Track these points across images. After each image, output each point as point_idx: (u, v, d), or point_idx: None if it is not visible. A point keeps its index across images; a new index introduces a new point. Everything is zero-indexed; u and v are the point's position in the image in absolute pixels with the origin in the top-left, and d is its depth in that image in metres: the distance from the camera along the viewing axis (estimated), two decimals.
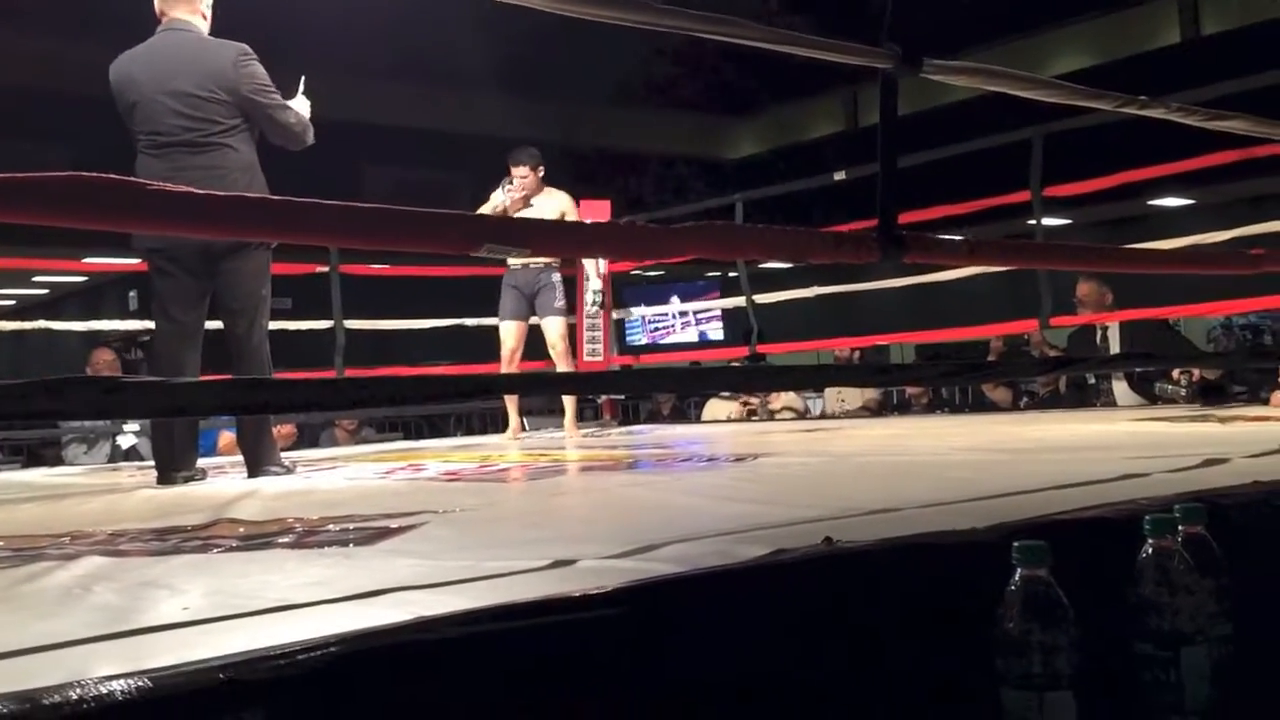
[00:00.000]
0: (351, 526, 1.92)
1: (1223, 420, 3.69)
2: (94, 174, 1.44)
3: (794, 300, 6.49)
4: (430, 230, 1.82)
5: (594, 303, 5.79)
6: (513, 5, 1.73)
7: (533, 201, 5.23)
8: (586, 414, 6.99)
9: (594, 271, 5.75)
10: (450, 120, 12.36)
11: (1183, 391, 4.79)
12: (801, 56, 2.14)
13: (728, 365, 7.44)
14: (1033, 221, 5.51)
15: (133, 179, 1.69)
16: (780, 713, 1.15)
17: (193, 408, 1.65)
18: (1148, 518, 1.29)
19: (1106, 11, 12.14)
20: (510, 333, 5.35)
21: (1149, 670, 1.25)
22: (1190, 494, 1.59)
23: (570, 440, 5.11)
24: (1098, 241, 8.80)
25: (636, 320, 12.42)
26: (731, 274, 10.55)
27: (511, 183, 5.23)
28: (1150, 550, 1.28)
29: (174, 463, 3.28)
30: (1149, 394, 5.17)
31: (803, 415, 7.16)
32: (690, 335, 14.68)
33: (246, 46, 3.31)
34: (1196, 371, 4.85)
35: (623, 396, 7.35)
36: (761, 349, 6.44)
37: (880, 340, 8.08)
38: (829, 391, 7.51)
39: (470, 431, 8.01)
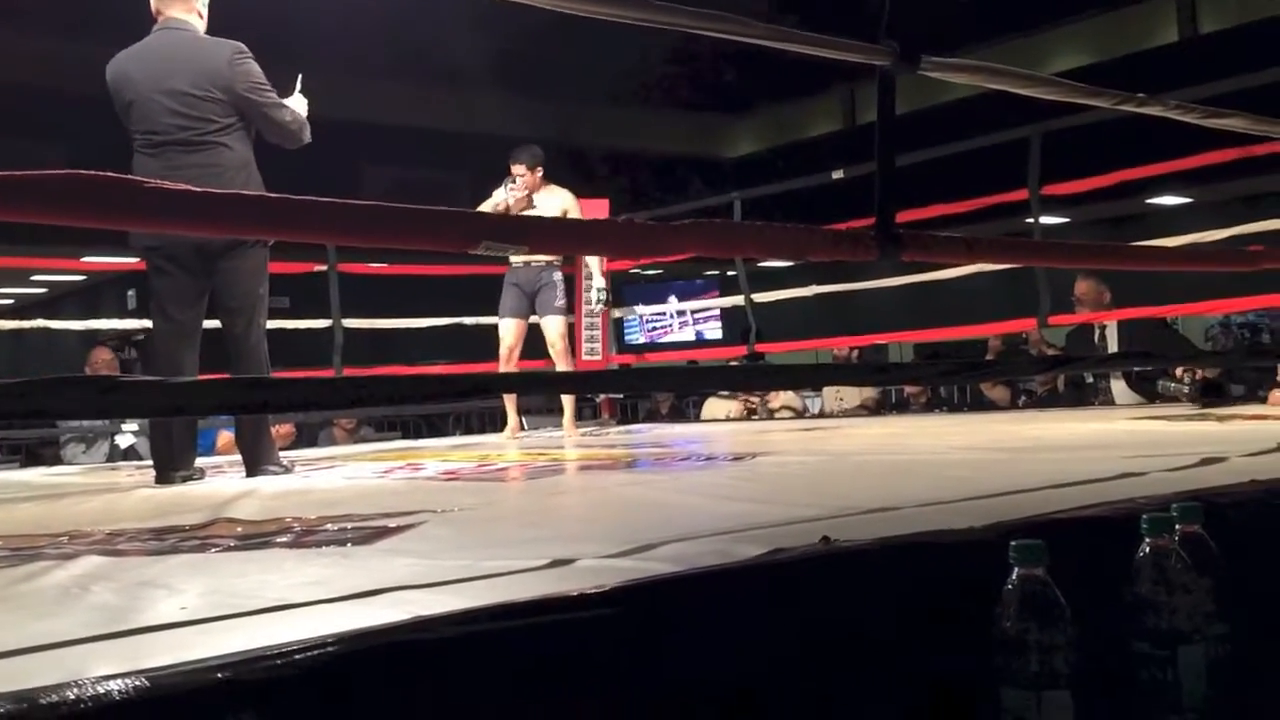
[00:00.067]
0: (350, 526, 1.92)
1: (1220, 419, 3.69)
2: (92, 172, 1.44)
3: (792, 299, 6.49)
4: (428, 228, 1.82)
5: (598, 300, 5.79)
6: (511, 3, 1.73)
7: (534, 199, 5.24)
8: (585, 413, 7.00)
9: (598, 269, 5.75)
10: (448, 119, 12.36)
11: (1185, 389, 4.79)
12: (799, 54, 2.13)
13: (726, 364, 7.44)
14: (1031, 220, 5.52)
15: (130, 177, 1.69)
16: (778, 712, 1.15)
17: (191, 407, 1.65)
18: (1145, 517, 1.29)
19: (1105, 10, 12.14)
20: (509, 330, 5.35)
21: (1146, 669, 1.25)
22: (1187, 493, 1.59)
23: (569, 439, 5.11)
24: (1096, 240, 8.80)
25: (634, 319, 12.42)
26: (730, 273, 10.56)
27: (514, 181, 5.23)
28: (1147, 549, 1.28)
29: (172, 462, 3.27)
30: (1147, 392, 5.17)
31: (801, 414, 7.16)
32: (688, 335, 14.68)
33: (242, 45, 3.30)
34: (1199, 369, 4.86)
35: (621, 396, 7.34)
36: (760, 348, 6.44)
37: (878, 339, 8.09)
38: (827, 390, 7.51)
39: (469, 431, 8.01)
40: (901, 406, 7.60)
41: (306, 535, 1.85)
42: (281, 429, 5.68)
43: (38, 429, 6.28)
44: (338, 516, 2.07)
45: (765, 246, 2.69)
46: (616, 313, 7.45)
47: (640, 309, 9.52)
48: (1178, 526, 1.31)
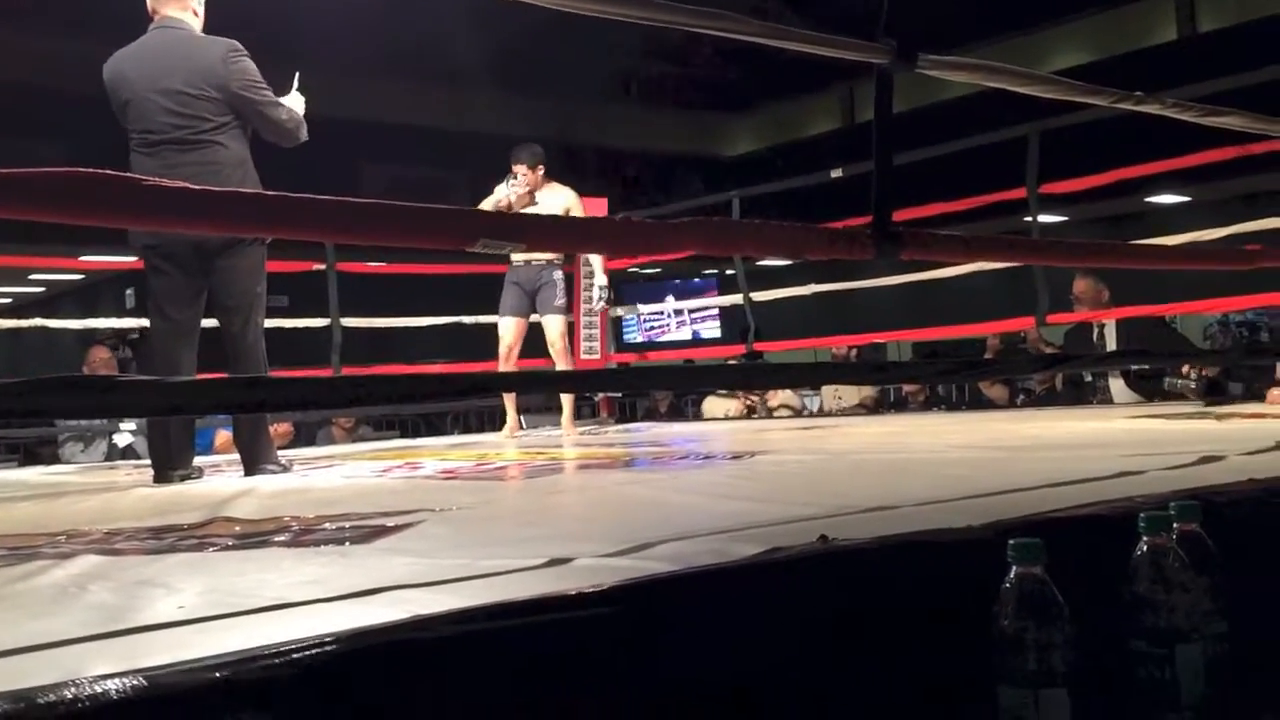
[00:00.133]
0: (348, 525, 1.92)
1: (1219, 417, 3.69)
2: (89, 170, 1.44)
3: (791, 298, 6.49)
4: (425, 226, 1.82)
5: (600, 298, 5.78)
6: (510, 1, 1.73)
7: (536, 197, 5.24)
8: (584, 412, 6.99)
9: (599, 267, 5.74)
10: (447, 118, 12.35)
11: (1193, 384, 4.80)
12: (797, 52, 2.13)
13: (725, 363, 7.44)
14: (1029, 218, 5.52)
15: (128, 175, 1.69)
16: (776, 711, 1.16)
17: (189, 406, 1.65)
18: (1143, 515, 1.29)
19: (1104, 8, 12.14)
20: (509, 329, 5.35)
21: (1144, 667, 1.25)
22: (1185, 491, 1.60)
23: (567, 438, 5.11)
24: (1094, 238, 8.80)
25: (632, 318, 12.43)
26: (729, 271, 10.56)
27: (515, 178, 5.23)
28: (1145, 548, 1.28)
29: (170, 461, 3.27)
30: (1146, 391, 5.17)
31: (799, 413, 7.16)
32: (684, 334, 14.68)
33: (236, 43, 3.30)
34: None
35: (620, 395, 7.34)
36: (759, 347, 6.45)
37: (877, 338, 8.10)
38: (826, 389, 7.51)
39: (467, 429, 8.01)
40: (900, 405, 7.60)
41: (305, 534, 1.85)
42: (279, 428, 5.68)
43: (36, 428, 6.28)
44: (336, 515, 2.06)
45: (763, 245, 2.69)
46: (619, 311, 7.46)
47: (641, 307, 9.52)
48: (1175, 525, 1.31)
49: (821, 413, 7.25)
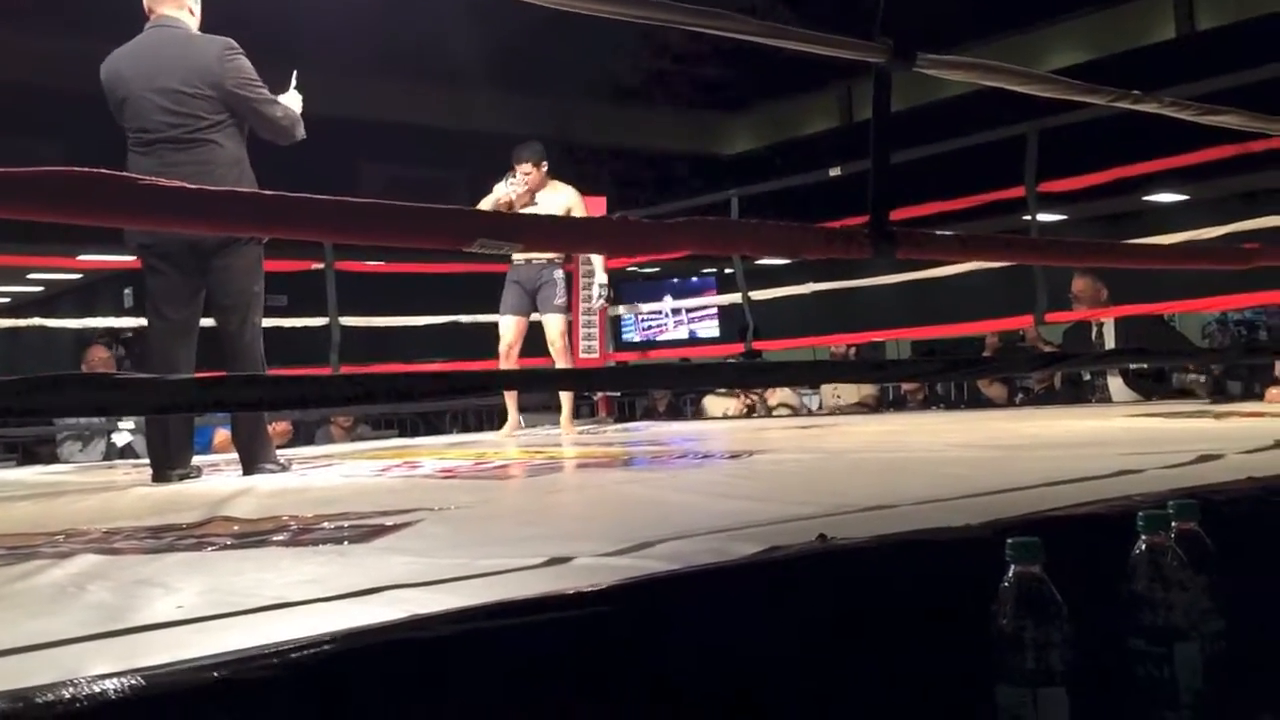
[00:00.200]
0: (346, 524, 1.92)
1: (1218, 416, 3.69)
2: (86, 169, 1.44)
3: (790, 297, 6.49)
4: (422, 225, 1.82)
5: (600, 296, 5.78)
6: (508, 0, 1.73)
7: (537, 197, 5.24)
8: (583, 411, 6.99)
9: (599, 266, 5.74)
10: (446, 117, 12.35)
11: (1202, 379, 4.81)
12: (795, 51, 2.13)
13: (725, 361, 7.44)
14: (1028, 217, 5.52)
15: (125, 174, 1.69)
16: (774, 709, 1.16)
17: (187, 405, 1.64)
18: (1141, 514, 1.29)
19: (1102, 7, 12.14)
20: (509, 328, 5.35)
21: (1142, 666, 1.25)
22: (1184, 490, 1.60)
23: (566, 437, 5.11)
24: (1093, 237, 8.81)
25: (630, 318, 12.43)
26: (728, 270, 10.56)
27: (515, 176, 5.23)
28: (1143, 546, 1.28)
29: (169, 460, 3.27)
30: (1145, 389, 5.18)
31: (798, 412, 7.16)
32: (681, 333, 14.69)
33: (232, 41, 3.30)
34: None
35: (618, 393, 7.34)
36: (758, 346, 6.45)
37: (876, 337, 8.10)
38: (825, 388, 7.51)
39: (466, 428, 8.01)
40: (898, 404, 7.60)
41: (303, 533, 1.85)
42: (278, 427, 5.68)
43: (34, 427, 6.27)
44: (334, 515, 2.06)
45: (760, 244, 2.69)
46: (620, 310, 7.45)
47: (643, 306, 9.52)
48: (1174, 524, 1.31)
49: (820, 411, 7.25)
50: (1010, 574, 1.16)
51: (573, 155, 9.96)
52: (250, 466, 3.34)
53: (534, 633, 1.02)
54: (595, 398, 7.03)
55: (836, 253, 2.22)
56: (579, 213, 5.18)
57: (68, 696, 0.81)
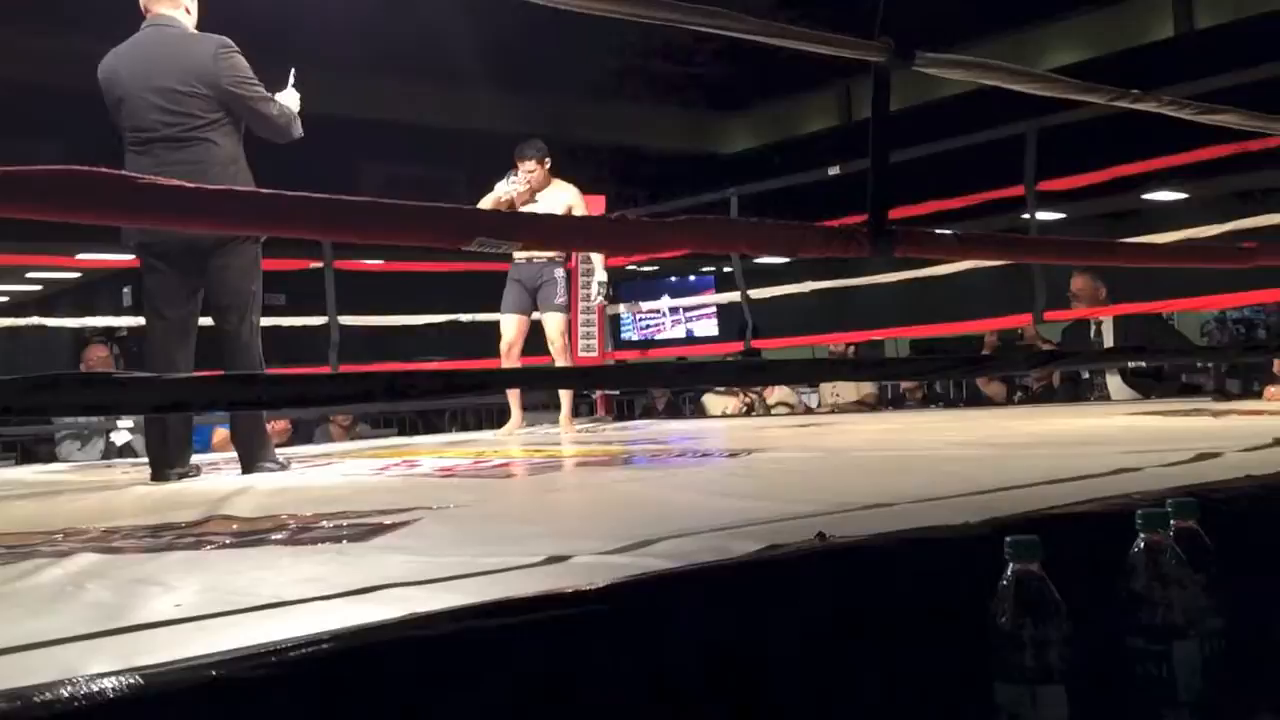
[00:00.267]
0: (345, 523, 1.92)
1: (1216, 414, 3.70)
2: (83, 168, 1.44)
3: (789, 296, 6.49)
4: (421, 223, 1.82)
5: (599, 294, 5.78)
6: None
7: (538, 195, 5.23)
8: (582, 410, 6.99)
9: (599, 263, 5.74)
10: (444, 115, 12.34)
11: (1210, 379, 4.83)
12: (795, 50, 2.13)
13: (724, 359, 7.44)
14: (1027, 216, 5.52)
15: (122, 172, 1.69)
16: (774, 708, 1.16)
17: (186, 404, 1.64)
18: (1140, 512, 1.29)
19: (1101, 6, 12.15)
20: (510, 326, 5.35)
21: (1141, 664, 1.26)
22: (1182, 488, 1.59)
23: (565, 436, 5.11)
24: (1092, 236, 8.81)
25: (628, 316, 12.43)
26: (727, 269, 10.56)
27: (517, 174, 5.23)
28: (1142, 545, 1.28)
29: (168, 459, 3.27)
30: (1143, 388, 5.18)
31: (798, 410, 7.16)
32: (678, 332, 14.69)
33: (227, 39, 3.30)
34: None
35: (618, 392, 7.34)
36: (757, 344, 6.44)
37: (875, 335, 8.09)
38: (824, 386, 7.52)
39: (465, 427, 8.00)
40: (897, 402, 7.60)
41: (302, 532, 1.85)
42: (277, 425, 5.68)
43: (33, 426, 6.27)
44: (333, 513, 2.06)
45: (758, 243, 2.68)
46: (621, 308, 7.45)
47: (641, 304, 9.52)
48: (1173, 522, 1.31)
49: (820, 409, 7.25)
50: (1009, 572, 1.16)
51: (572, 154, 9.96)
52: (249, 465, 3.34)
53: (533, 631, 1.02)
54: (594, 396, 7.03)
55: (836, 251, 2.22)
56: (580, 211, 5.18)
57: (66, 695, 0.81)
